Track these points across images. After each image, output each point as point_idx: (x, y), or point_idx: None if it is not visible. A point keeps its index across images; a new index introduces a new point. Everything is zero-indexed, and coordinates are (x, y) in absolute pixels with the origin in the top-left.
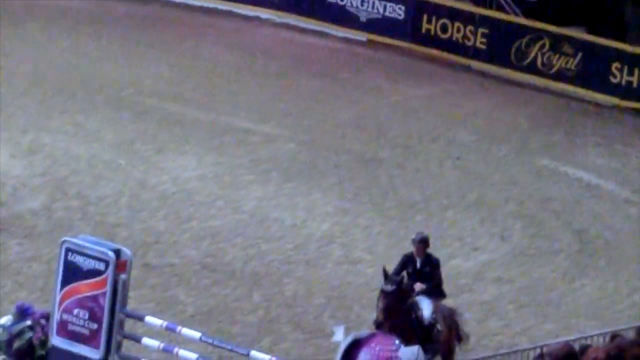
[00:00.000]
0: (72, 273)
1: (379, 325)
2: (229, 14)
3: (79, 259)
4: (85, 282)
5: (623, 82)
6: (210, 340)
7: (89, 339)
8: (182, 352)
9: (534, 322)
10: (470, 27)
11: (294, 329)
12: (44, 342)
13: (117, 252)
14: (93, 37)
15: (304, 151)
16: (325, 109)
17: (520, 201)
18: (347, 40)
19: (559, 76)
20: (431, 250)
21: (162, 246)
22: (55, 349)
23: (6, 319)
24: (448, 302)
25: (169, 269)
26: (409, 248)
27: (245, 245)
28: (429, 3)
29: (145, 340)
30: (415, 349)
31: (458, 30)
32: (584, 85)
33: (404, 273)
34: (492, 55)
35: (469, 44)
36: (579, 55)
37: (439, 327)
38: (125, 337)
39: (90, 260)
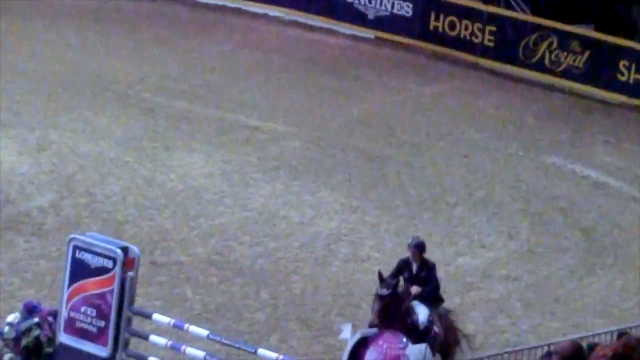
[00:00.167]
0: (79, 270)
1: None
2: (238, 11)
3: (86, 257)
4: (92, 279)
5: (631, 80)
6: (217, 338)
7: (96, 337)
8: (190, 350)
9: (542, 320)
10: (478, 25)
11: (301, 326)
12: (51, 340)
13: (125, 250)
14: (101, 35)
15: (312, 149)
16: (333, 106)
17: (528, 199)
18: (355, 37)
19: (567, 74)
20: (438, 248)
21: (170, 244)
22: (62, 346)
23: (14, 317)
24: (455, 300)
25: (176, 267)
26: None
27: (253, 242)
28: (437, 0)
29: (153, 338)
30: (422, 346)
31: (466, 28)
32: (591, 83)
33: (400, 278)
34: (500, 53)
35: (477, 41)
36: (587, 53)
37: (435, 329)
38: (133, 334)
39: (98, 257)
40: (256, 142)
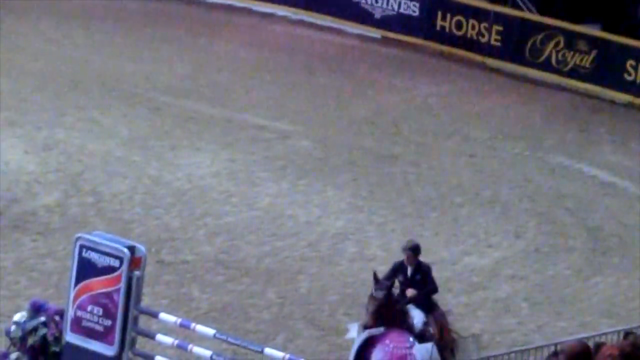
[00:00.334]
0: (86, 270)
1: (368, 329)
2: (245, 10)
3: (93, 256)
4: (99, 278)
5: (638, 80)
6: (224, 337)
7: (103, 336)
8: (197, 349)
9: (548, 320)
10: (485, 24)
11: (308, 326)
12: (58, 339)
13: (132, 249)
14: (108, 34)
15: (319, 148)
16: (339, 106)
17: (535, 199)
18: (361, 37)
19: (574, 73)
20: (445, 247)
21: (177, 243)
22: (69, 345)
23: (20, 316)
24: (461, 299)
25: (183, 266)
26: (423, 246)
27: (260, 242)
28: (443, 0)
29: (160, 337)
30: (429, 346)
31: (473, 27)
32: (598, 82)
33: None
34: (507, 53)
35: (484, 41)
36: (594, 52)
37: (430, 329)
38: (140, 333)
39: (105, 256)
40: (263, 142)
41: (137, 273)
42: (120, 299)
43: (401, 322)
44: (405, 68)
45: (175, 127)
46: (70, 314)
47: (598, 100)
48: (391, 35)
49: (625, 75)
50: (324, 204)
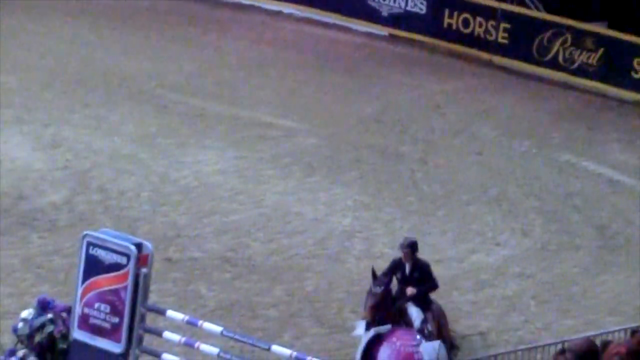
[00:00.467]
0: (93, 267)
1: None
2: (252, 8)
3: (100, 253)
4: (106, 276)
5: None
6: (231, 335)
7: (110, 333)
8: (204, 347)
9: (555, 318)
10: (492, 22)
11: (315, 323)
12: (65, 336)
13: (139, 246)
14: (115, 31)
15: (326, 146)
16: (346, 103)
17: (542, 197)
18: (369, 34)
19: (581, 71)
20: (452, 245)
21: (184, 240)
22: (76, 342)
23: (28, 313)
24: (469, 297)
25: (190, 263)
26: (430, 244)
27: (267, 239)
28: None
29: (167, 335)
30: (436, 344)
31: (480, 25)
32: (605, 80)
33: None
34: (514, 50)
35: (491, 38)
36: (601, 50)
37: (429, 327)
38: (147, 331)
39: (112, 254)
40: (270, 139)
41: (144, 270)
42: (127, 297)
43: (399, 321)
44: (413, 66)
45: (182, 125)
46: (77, 311)
47: (605, 98)
48: (398, 33)
49: (633, 73)
50: (331, 202)
